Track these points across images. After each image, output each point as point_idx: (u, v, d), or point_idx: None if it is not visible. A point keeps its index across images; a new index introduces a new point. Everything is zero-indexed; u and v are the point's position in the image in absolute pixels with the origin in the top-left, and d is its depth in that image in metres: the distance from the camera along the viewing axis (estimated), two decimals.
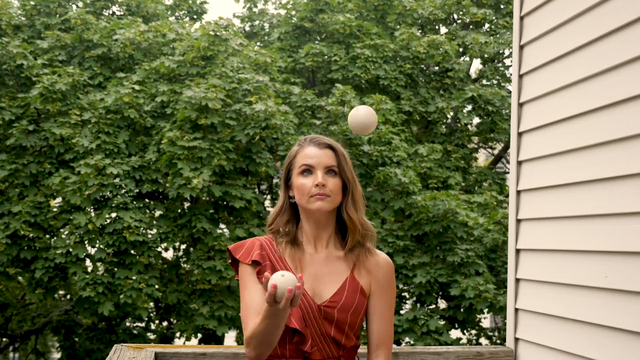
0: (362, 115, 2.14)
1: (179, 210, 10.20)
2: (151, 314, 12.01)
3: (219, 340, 10.72)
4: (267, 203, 11.54)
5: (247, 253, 2.08)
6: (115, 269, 9.36)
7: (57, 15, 11.96)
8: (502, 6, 13.89)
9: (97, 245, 9.40)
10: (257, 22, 14.87)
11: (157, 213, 10.38)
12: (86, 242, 9.41)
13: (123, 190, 9.64)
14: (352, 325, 2.05)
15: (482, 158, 19.46)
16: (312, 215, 2.08)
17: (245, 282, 2.06)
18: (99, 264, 9.67)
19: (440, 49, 12.06)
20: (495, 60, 13.81)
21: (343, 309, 2.03)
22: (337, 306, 2.03)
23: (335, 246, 2.11)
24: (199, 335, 10.75)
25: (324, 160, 2.07)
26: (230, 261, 2.15)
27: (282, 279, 1.76)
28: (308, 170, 2.06)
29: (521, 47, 3.14)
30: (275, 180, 11.63)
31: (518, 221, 3.10)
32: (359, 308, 2.05)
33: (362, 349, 2.26)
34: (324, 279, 2.07)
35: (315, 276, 2.06)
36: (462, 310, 10.10)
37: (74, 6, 12.71)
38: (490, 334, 11.94)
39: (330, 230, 2.11)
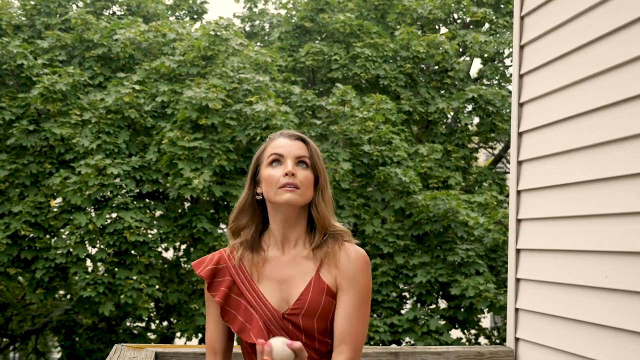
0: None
1: (180, 211, 10.20)
2: (151, 314, 12.01)
3: None
4: None
5: (204, 269, 1.98)
6: (116, 269, 9.35)
7: (57, 15, 11.95)
8: (502, 5, 13.89)
9: (97, 246, 9.40)
10: (257, 22, 14.88)
11: (158, 213, 10.38)
12: (87, 242, 9.39)
13: (123, 191, 9.63)
14: (321, 332, 1.89)
15: (483, 158, 19.44)
16: (280, 211, 1.92)
17: (207, 305, 2.01)
18: (99, 264, 9.66)
19: (440, 49, 12.06)
20: (496, 60, 13.80)
21: (307, 315, 1.88)
22: (300, 312, 1.88)
23: (304, 246, 1.95)
24: (200, 335, 10.75)
25: (295, 151, 1.93)
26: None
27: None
28: (277, 160, 1.93)
29: (521, 47, 3.14)
30: None
31: (518, 221, 3.10)
32: (326, 312, 1.89)
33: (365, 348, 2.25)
34: (291, 282, 1.92)
35: (282, 281, 1.92)
36: (462, 310, 10.09)
37: (74, 6, 12.70)
38: (490, 333, 11.94)
39: (300, 230, 1.95)
